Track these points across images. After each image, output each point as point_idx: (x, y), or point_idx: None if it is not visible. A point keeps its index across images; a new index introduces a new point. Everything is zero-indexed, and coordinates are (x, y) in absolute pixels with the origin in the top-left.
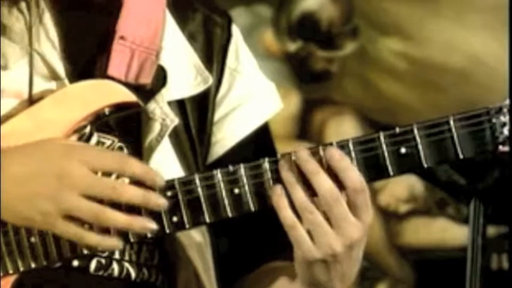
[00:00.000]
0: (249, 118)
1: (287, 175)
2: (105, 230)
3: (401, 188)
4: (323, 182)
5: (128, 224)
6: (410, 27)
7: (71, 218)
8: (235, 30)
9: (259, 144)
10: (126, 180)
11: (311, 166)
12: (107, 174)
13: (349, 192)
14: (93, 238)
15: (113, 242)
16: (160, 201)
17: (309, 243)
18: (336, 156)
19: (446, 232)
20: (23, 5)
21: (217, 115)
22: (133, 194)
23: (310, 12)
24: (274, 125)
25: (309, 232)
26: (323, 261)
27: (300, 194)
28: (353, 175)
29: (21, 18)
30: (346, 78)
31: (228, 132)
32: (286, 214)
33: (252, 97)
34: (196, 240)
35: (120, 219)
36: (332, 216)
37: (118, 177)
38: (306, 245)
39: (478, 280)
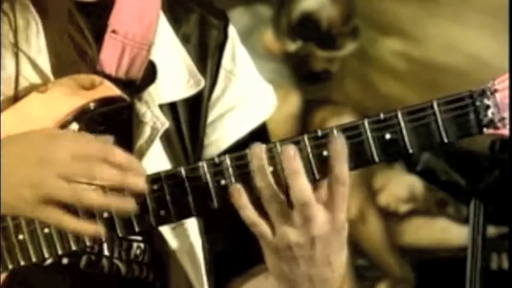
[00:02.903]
0: (244, 120)
1: (258, 163)
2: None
3: (401, 188)
4: (300, 185)
5: (106, 203)
6: (410, 27)
7: (53, 203)
8: (232, 31)
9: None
10: None
11: (293, 165)
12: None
13: (332, 182)
14: (73, 222)
15: (95, 228)
16: (139, 180)
17: (269, 237)
18: (339, 144)
19: (446, 232)
20: (6, 5)
21: (211, 117)
22: (111, 174)
23: (310, 12)
24: (274, 125)
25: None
26: (285, 255)
27: (269, 185)
28: (342, 167)
29: (5, 19)
30: (346, 78)
31: (222, 134)
32: (247, 213)
33: (247, 99)
34: (186, 242)
35: (97, 197)
36: (298, 215)
37: None
38: (267, 238)
39: (478, 280)
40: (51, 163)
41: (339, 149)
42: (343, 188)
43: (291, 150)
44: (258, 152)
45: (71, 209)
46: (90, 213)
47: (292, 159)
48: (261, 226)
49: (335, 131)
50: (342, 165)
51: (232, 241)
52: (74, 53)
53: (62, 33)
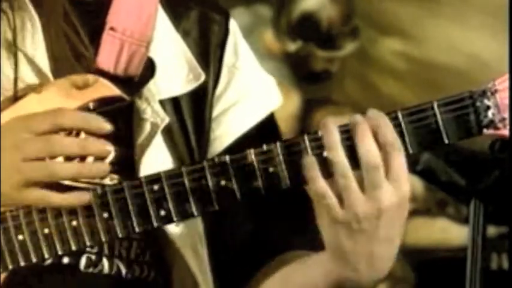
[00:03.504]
0: (249, 114)
1: (329, 138)
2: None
3: None
4: (368, 147)
5: (78, 171)
6: (410, 27)
7: (34, 185)
8: (234, 26)
9: (264, 138)
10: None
11: (361, 129)
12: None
13: (387, 150)
14: (58, 197)
15: (77, 196)
16: (101, 146)
17: (337, 208)
18: (377, 114)
19: (446, 232)
20: (5, 5)
21: (215, 112)
22: (70, 142)
23: (310, 12)
24: None
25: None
26: (348, 227)
27: (339, 158)
28: (393, 133)
29: (4, 18)
30: (346, 78)
31: (228, 128)
32: (319, 184)
33: (252, 93)
34: (189, 238)
35: (70, 168)
36: (366, 182)
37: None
38: (335, 209)
39: (478, 280)
40: (19, 148)
41: (380, 115)
42: (400, 155)
43: (358, 117)
44: (331, 127)
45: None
46: (89, 214)
47: (360, 123)
48: (331, 198)
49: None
50: (391, 131)
51: (234, 239)
52: (75, 51)
53: (58, 33)
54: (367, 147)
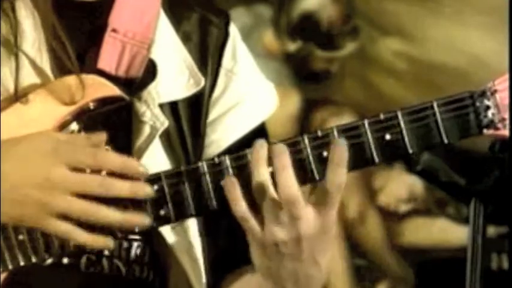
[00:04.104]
0: (245, 119)
1: (255, 154)
2: (93, 229)
3: (401, 188)
4: (286, 180)
5: (122, 220)
6: (410, 27)
7: (63, 218)
8: (233, 29)
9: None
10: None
11: (282, 161)
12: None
13: (328, 185)
14: (83, 236)
15: (103, 241)
16: (147, 190)
17: (258, 232)
18: (339, 148)
19: (446, 232)
20: (6, 5)
21: (211, 116)
22: (121, 187)
23: (310, 12)
24: (274, 124)
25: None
26: (271, 251)
27: (260, 177)
28: (341, 173)
29: (5, 19)
30: (346, 78)
31: (223, 133)
32: (238, 207)
33: (248, 98)
34: (185, 242)
35: (113, 215)
36: (286, 212)
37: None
38: (256, 233)
39: (478, 280)
40: (55, 182)
41: (341, 154)
42: (338, 193)
43: (282, 147)
44: (259, 147)
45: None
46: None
47: (282, 155)
48: (251, 221)
49: (335, 132)
50: (341, 171)
51: (230, 241)
52: (77, 52)
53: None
54: (285, 180)
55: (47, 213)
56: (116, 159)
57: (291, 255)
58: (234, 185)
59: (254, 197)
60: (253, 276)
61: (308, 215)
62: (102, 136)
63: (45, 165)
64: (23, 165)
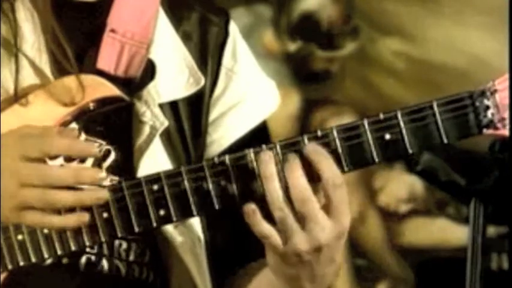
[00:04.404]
0: (246, 117)
1: (265, 169)
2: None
3: (401, 188)
4: (297, 180)
5: (77, 199)
6: (410, 27)
7: (33, 208)
8: (233, 28)
9: (257, 143)
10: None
11: (290, 164)
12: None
13: (325, 187)
14: (57, 219)
15: (77, 217)
16: (95, 175)
17: (280, 246)
18: (315, 149)
19: (446, 232)
20: (6, 6)
21: (212, 115)
22: (64, 173)
23: (310, 12)
24: (274, 124)
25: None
26: (292, 260)
27: (273, 191)
28: (331, 169)
29: (5, 19)
30: (346, 78)
31: (225, 131)
32: (261, 229)
33: (249, 96)
34: (188, 239)
35: (68, 196)
36: (302, 216)
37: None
38: (278, 247)
39: (478, 280)
40: (6, 174)
41: (317, 151)
42: (340, 190)
43: (291, 155)
44: (267, 159)
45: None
46: (88, 214)
47: (289, 160)
48: (273, 237)
49: (335, 131)
50: (329, 167)
51: (232, 239)
52: (76, 52)
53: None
54: (296, 183)
55: (16, 205)
56: (62, 143)
57: (311, 261)
58: (255, 212)
59: (270, 211)
60: (267, 274)
61: (326, 221)
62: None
63: (6, 159)
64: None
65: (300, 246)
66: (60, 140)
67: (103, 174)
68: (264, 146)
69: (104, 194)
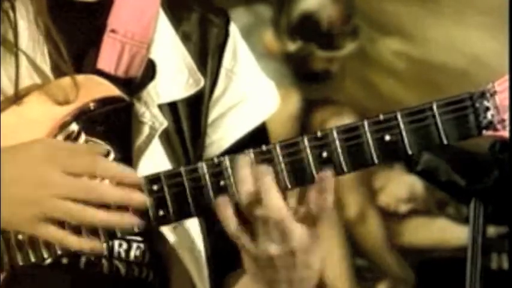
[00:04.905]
0: (246, 118)
1: (239, 173)
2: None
3: (401, 188)
4: (273, 201)
5: (107, 220)
6: (410, 27)
7: (53, 221)
8: (233, 29)
9: (256, 144)
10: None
11: (266, 181)
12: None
13: (317, 211)
14: (75, 241)
15: (93, 244)
16: (141, 199)
17: (252, 248)
18: (324, 177)
19: (446, 232)
20: (6, 5)
21: (212, 116)
22: (112, 194)
23: (310, 12)
24: (274, 125)
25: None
26: (266, 264)
27: (249, 199)
28: (330, 199)
29: (5, 19)
30: (346, 78)
31: (224, 132)
32: (230, 226)
33: (249, 97)
34: (187, 240)
35: (98, 215)
36: (274, 230)
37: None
38: (250, 249)
39: (478, 280)
40: (44, 184)
41: (328, 183)
42: (327, 215)
43: (265, 168)
44: (243, 164)
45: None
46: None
47: (264, 175)
48: (244, 238)
49: (334, 132)
50: (329, 198)
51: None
52: (77, 52)
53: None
54: (273, 202)
55: (37, 215)
56: (113, 167)
57: (285, 265)
58: (226, 204)
59: (245, 214)
60: (245, 280)
61: (298, 229)
62: (102, 146)
63: (41, 169)
64: (20, 171)
65: (271, 251)
66: (109, 164)
67: (146, 199)
68: (264, 146)
69: (135, 222)
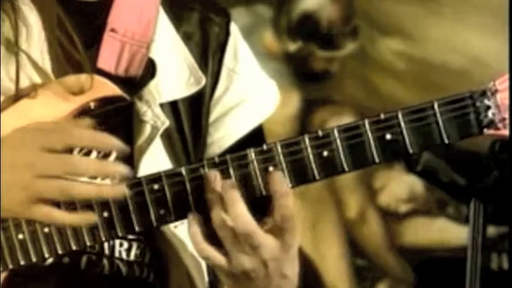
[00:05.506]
0: (247, 118)
1: (211, 193)
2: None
3: (401, 188)
4: (238, 213)
5: (98, 193)
6: (410, 27)
7: (43, 201)
8: (234, 28)
9: (253, 145)
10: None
11: (231, 195)
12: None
13: (278, 219)
14: (65, 215)
15: (85, 217)
16: (118, 168)
17: (225, 265)
18: (275, 178)
19: (446, 232)
20: (7, 5)
21: (213, 115)
22: (86, 165)
23: (310, 12)
24: (274, 125)
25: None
26: (241, 278)
27: (218, 214)
28: (285, 204)
29: (6, 18)
30: (346, 78)
31: (226, 132)
32: (202, 248)
33: (249, 97)
34: (189, 242)
35: (88, 189)
36: (244, 243)
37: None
38: (223, 267)
39: (478, 280)
40: (24, 165)
41: (279, 185)
42: (291, 222)
43: (230, 183)
44: (213, 179)
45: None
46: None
47: (231, 190)
48: (216, 258)
49: (335, 131)
50: (285, 202)
51: None
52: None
53: (53, 41)
54: (239, 215)
55: (28, 197)
56: (86, 133)
57: (260, 277)
58: (196, 225)
59: (216, 230)
60: None
61: (267, 240)
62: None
63: (20, 153)
64: (3, 159)
65: (245, 265)
66: (82, 131)
67: (126, 168)
68: (265, 145)
69: (123, 189)
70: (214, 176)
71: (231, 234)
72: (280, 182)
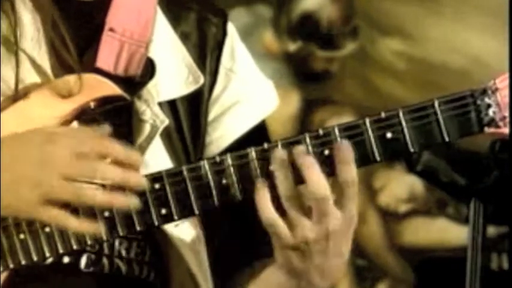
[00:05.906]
0: (245, 117)
1: (278, 166)
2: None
3: (401, 188)
4: (315, 178)
5: (108, 201)
6: (411, 27)
7: (53, 203)
8: (231, 28)
9: (256, 143)
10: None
11: (306, 160)
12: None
13: (341, 184)
14: (75, 222)
15: (95, 227)
16: (141, 180)
17: (287, 236)
18: (342, 147)
19: (446, 232)
20: (7, 5)
21: (212, 115)
22: (112, 172)
23: (310, 12)
24: (274, 124)
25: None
26: (299, 249)
27: (286, 186)
28: (349, 169)
29: (5, 17)
30: (346, 78)
31: (223, 132)
32: (266, 215)
33: (248, 96)
34: (189, 238)
35: (99, 195)
36: (315, 211)
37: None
38: (285, 237)
39: (478, 280)
40: (51, 164)
41: (345, 153)
42: (352, 189)
43: (301, 146)
44: (281, 154)
45: (71, 207)
46: (91, 212)
47: (305, 154)
48: (280, 226)
49: (336, 130)
50: (349, 169)
51: (233, 238)
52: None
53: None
54: (316, 180)
55: (41, 195)
56: (117, 146)
57: (319, 251)
58: (265, 192)
59: (281, 199)
60: (273, 270)
61: (335, 211)
62: (105, 127)
63: (47, 148)
64: (24, 149)
65: (307, 234)
66: (111, 143)
67: (146, 182)
68: (266, 144)
69: (135, 203)
70: (281, 153)
71: (298, 203)
72: (348, 149)
